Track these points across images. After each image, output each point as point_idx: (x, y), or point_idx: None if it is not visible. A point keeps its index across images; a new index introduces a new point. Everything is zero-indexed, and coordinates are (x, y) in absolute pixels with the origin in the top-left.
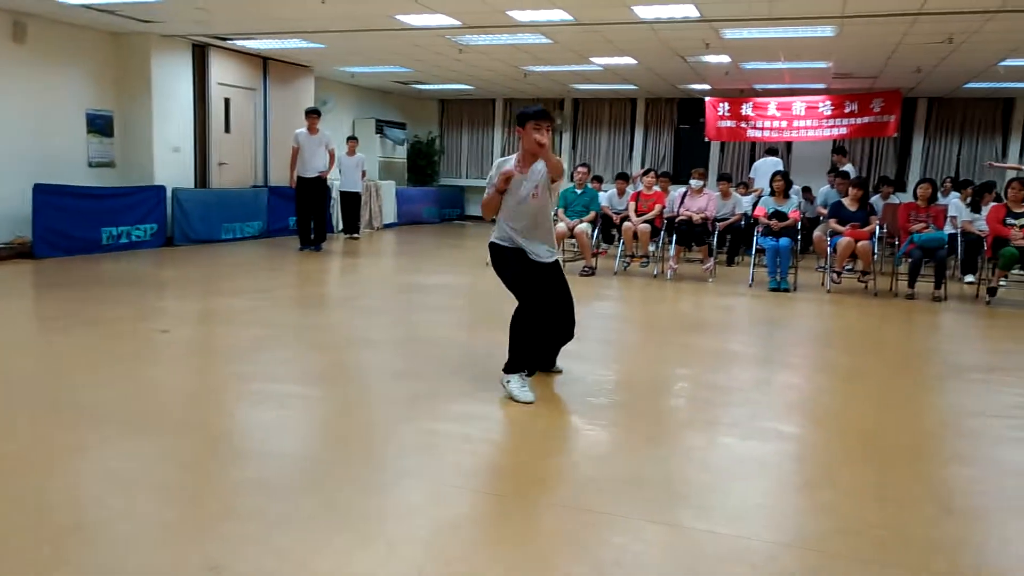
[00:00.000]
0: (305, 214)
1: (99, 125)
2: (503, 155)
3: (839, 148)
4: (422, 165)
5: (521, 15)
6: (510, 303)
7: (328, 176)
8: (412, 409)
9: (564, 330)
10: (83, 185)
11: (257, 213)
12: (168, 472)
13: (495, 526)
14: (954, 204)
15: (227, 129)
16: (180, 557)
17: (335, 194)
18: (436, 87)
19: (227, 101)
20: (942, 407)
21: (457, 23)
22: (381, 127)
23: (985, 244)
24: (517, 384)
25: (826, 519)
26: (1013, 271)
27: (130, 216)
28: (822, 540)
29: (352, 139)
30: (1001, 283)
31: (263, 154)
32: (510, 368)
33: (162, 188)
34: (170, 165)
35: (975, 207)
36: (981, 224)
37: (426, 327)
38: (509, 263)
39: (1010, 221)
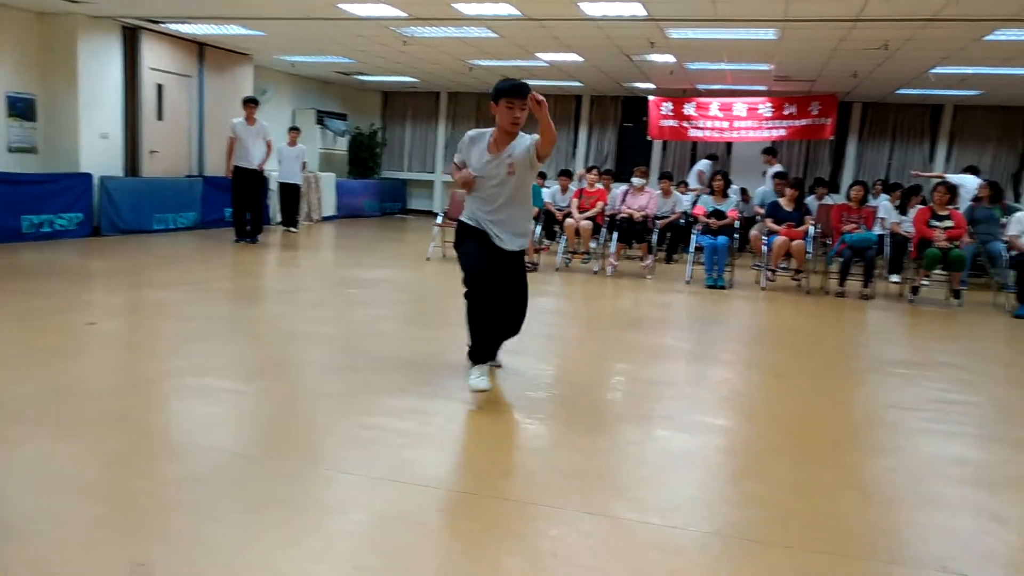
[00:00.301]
0: (241, 205)
1: (20, 109)
2: (446, 150)
3: (768, 149)
4: (363, 157)
5: (467, 8)
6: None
7: (265, 167)
8: (350, 403)
9: (510, 324)
10: (1, 171)
11: (191, 203)
12: (95, 469)
13: (432, 520)
14: (884, 206)
15: (159, 116)
16: (107, 556)
17: (273, 185)
18: (379, 79)
19: (160, 87)
20: (865, 400)
21: (402, 14)
22: (322, 118)
23: (911, 245)
24: (476, 372)
25: (753, 508)
26: (935, 271)
27: (54, 204)
28: (749, 528)
29: (294, 129)
30: (924, 282)
31: (198, 143)
32: (469, 356)
33: (88, 176)
34: (97, 152)
35: (903, 209)
36: (908, 226)
37: (365, 321)
38: (466, 241)
39: (934, 223)
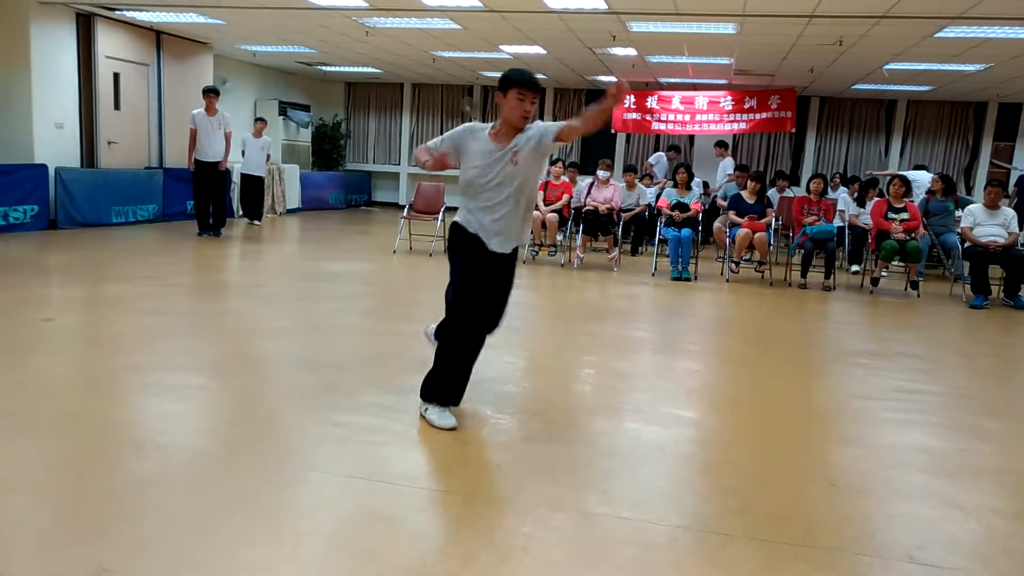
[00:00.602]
0: (203, 198)
1: None
2: (411, 141)
3: (720, 142)
4: (327, 149)
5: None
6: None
7: (227, 162)
8: (318, 400)
9: (487, 322)
10: None
11: (151, 196)
12: (55, 470)
13: (402, 517)
14: (843, 199)
15: (116, 106)
16: (68, 561)
17: (235, 177)
18: (342, 69)
19: (116, 76)
20: (829, 391)
21: (364, 4)
22: (284, 109)
23: (869, 237)
24: (436, 411)
25: (722, 500)
26: (893, 263)
27: (7, 196)
28: (718, 521)
29: (260, 120)
30: (883, 274)
31: (158, 134)
32: (428, 394)
33: (43, 167)
34: (53, 142)
35: (860, 202)
36: (866, 218)
37: (332, 316)
38: (461, 254)
39: (891, 216)
